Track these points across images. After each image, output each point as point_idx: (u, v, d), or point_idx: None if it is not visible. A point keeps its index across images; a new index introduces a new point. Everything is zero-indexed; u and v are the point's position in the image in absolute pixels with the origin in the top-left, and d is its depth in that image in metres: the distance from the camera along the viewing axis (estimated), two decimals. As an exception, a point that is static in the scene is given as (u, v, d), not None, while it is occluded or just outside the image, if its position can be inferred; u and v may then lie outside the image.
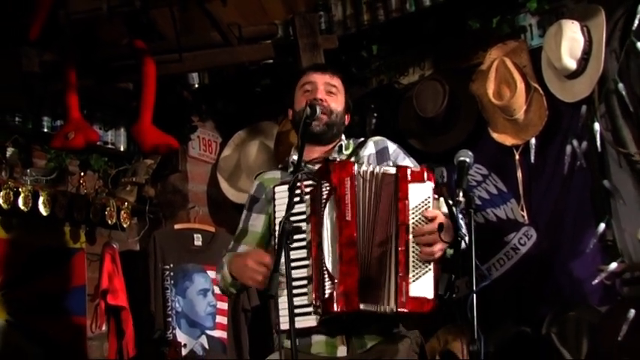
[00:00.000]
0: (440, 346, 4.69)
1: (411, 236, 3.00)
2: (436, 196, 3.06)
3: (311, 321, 3.03)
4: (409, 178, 3.06)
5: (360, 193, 3.06)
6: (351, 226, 3.02)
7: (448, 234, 2.97)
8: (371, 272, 3.01)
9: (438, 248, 2.98)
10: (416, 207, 3.03)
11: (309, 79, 3.42)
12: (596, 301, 4.35)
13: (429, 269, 2.99)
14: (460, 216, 2.99)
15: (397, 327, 3.14)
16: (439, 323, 4.73)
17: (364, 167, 3.11)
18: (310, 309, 3.02)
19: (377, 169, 3.11)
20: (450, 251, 3.03)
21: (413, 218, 3.02)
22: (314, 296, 3.01)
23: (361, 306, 2.98)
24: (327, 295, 2.97)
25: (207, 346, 5.35)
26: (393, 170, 3.10)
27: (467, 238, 2.87)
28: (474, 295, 2.72)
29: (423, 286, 2.98)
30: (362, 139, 3.48)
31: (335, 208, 3.05)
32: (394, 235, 3.02)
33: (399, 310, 2.97)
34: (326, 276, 3.00)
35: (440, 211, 3.03)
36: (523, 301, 4.62)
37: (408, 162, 3.33)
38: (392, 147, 3.43)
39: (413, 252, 2.99)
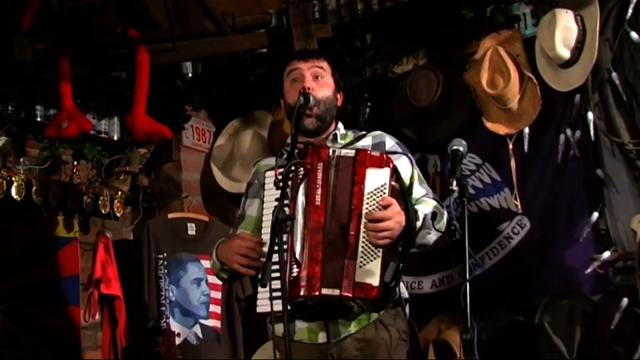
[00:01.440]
0: (433, 335, 4.70)
1: (363, 222, 3.01)
2: (394, 183, 3.06)
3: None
4: (367, 162, 3.06)
5: (332, 178, 3.07)
6: (319, 211, 3.04)
7: (400, 223, 2.98)
8: (332, 257, 3.02)
9: (386, 235, 2.97)
10: (371, 192, 3.03)
11: (295, 68, 3.39)
12: (589, 289, 4.37)
13: (377, 256, 2.99)
14: (453, 207, 2.99)
15: (375, 313, 3.14)
16: (433, 312, 4.75)
17: (337, 152, 3.12)
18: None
19: (341, 152, 3.12)
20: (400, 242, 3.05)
21: (367, 203, 3.02)
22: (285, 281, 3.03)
23: (323, 291, 2.99)
24: (291, 279, 2.99)
25: (200, 336, 5.36)
26: (352, 153, 3.10)
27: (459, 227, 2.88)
28: (467, 284, 2.73)
29: (369, 272, 2.98)
30: (363, 132, 3.47)
31: (305, 193, 3.07)
32: (347, 220, 3.03)
33: (342, 294, 2.98)
34: (294, 260, 3.01)
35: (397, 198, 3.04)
36: (516, 290, 4.63)
37: (404, 159, 3.30)
38: (389, 142, 3.39)
39: (363, 238, 3.00)
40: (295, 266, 3.01)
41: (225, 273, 3.35)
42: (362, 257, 2.99)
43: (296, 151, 3.18)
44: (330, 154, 3.11)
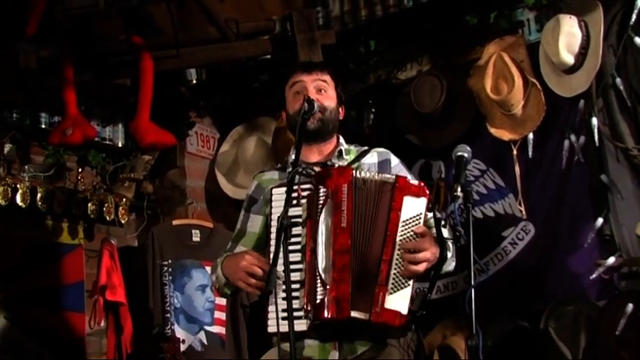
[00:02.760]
0: (438, 340, 4.69)
1: (397, 248, 3.00)
2: (429, 214, 3.06)
3: (301, 325, 3.01)
4: (405, 190, 3.05)
5: (357, 201, 3.05)
6: (345, 233, 3.01)
7: (434, 253, 2.99)
8: (362, 280, 3.00)
9: (422, 268, 2.98)
10: (407, 220, 3.03)
11: (298, 80, 3.40)
12: (594, 295, 4.36)
13: (408, 285, 2.99)
14: (458, 212, 2.99)
15: (388, 334, 3.13)
16: (438, 318, 4.74)
17: (362, 174, 3.11)
18: (301, 313, 3.00)
19: (375, 176, 3.11)
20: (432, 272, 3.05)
21: (402, 231, 3.02)
22: (305, 301, 3.00)
23: (352, 313, 2.97)
24: (318, 301, 2.97)
25: (205, 342, 5.36)
26: (392, 179, 3.09)
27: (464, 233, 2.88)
28: (472, 289, 2.72)
29: (398, 300, 2.97)
30: (365, 148, 3.48)
31: (331, 215, 3.03)
32: (381, 245, 3.01)
33: (371, 319, 2.96)
34: (318, 282, 2.98)
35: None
36: (521, 296, 4.62)
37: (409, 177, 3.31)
38: (394, 161, 3.42)
39: (396, 264, 2.99)
40: (321, 288, 2.98)
41: (230, 288, 3.34)
42: (393, 284, 2.98)
43: (316, 169, 3.19)
44: (357, 175, 3.10)
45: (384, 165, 3.35)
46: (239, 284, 3.17)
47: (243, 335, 5.47)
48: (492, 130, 4.76)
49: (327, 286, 2.97)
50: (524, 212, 4.69)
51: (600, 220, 4.33)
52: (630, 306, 4.00)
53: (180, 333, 5.24)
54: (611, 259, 4.24)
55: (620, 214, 4.30)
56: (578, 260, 4.45)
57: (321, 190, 3.07)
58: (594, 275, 4.30)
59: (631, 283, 4.25)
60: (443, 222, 3.03)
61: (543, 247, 4.62)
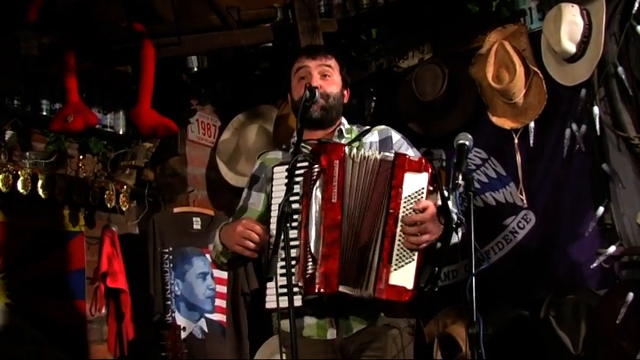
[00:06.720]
0: (438, 329, 4.70)
1: (399, 224, 3.01)
2: (431, 188, 3.06)
3: (296, 301, 3.01)
4: (406, 166, 3.06)
5: (350, 177, 3.07)
6: (335, 208, 3.03)
7: (437, 226, 2.98)
8: (354, 256, 3.03)
9: (424, 239, 2.99)
10: (409, 196, 3.03)
11: (303, 65, 3.41)
12: (595, 284, 4.36)
13: (413, 259, 3.00)
14: (459, 201, 2.99)
15: (385, 313, 3.15)
16: (438, 307, 4.75)
17: (356, 151, 3.12)
18: (296, 289, 3.01)
19: (373, 154, 3.12)
20: (439, 244, 3.04)
21: (404, 207, 3.03)
22: (298, 277, 3.02)
23: (340, 288, 3.00)
24: (308, 276, 3.00)
25: (206, 330, 5.37)
26: (391, 157, 3.10)
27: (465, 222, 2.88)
28: (473, 278, 2.73)
29: (403, 275, 2.99)
30: (367, 127, 3.48)
31: (322, 190, 3.06)
32: (382, 222, 3.03)
33: (375, 296, 2.99)
34: (309, 257, 3.01)
35: (434, 202, 3.03)
36: (521, 285, 4.63)
37: (410, 153, 3.31)
38: (396, 137, 3.43)
39: (399, 240, 3.01)
40: (311, 263, 3.01)
41: (225, 257, 3.34)
42: (397, 259, 3.00)
43: (309, 148, 3.20)
44: (347, 151, 3.11)
45: (385, 142, 3.36)
46: (236, 249, 3.17)
47: (243, 323, 5.48)
48: (494, 119, 4.76)
49: (318, 261, 3.00)
50: (525, 201, 4.69)
51: (601, 209, 4.33)
52: (631, 295, 4.01)
53: (180, 320, 5.26)
54: (612, 248, 4.24)
55: (621, 203, 4.30)
56: (579, 249, 4.45)
57: (315, 167, 3.10)
58: (595, 264, 4.30)
59: (631, 272, 4.26)
60: (447, 194, 3.03)
61: (544, 235, 4.62)
